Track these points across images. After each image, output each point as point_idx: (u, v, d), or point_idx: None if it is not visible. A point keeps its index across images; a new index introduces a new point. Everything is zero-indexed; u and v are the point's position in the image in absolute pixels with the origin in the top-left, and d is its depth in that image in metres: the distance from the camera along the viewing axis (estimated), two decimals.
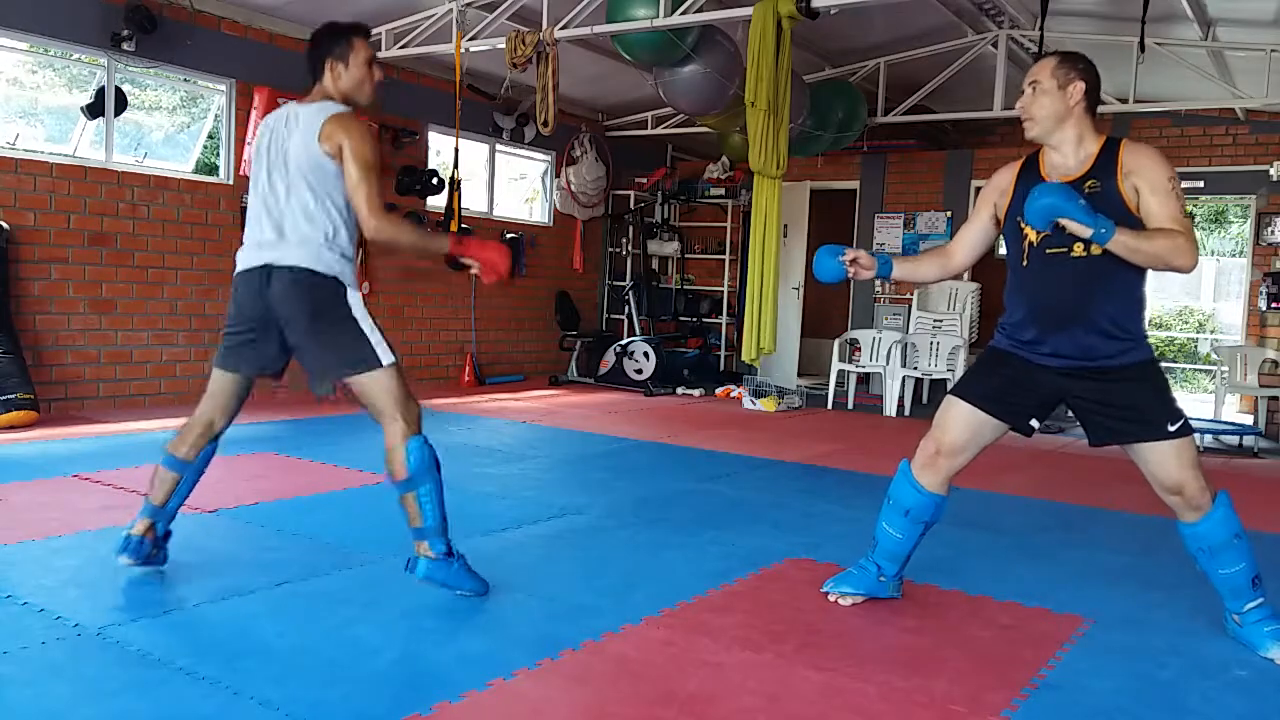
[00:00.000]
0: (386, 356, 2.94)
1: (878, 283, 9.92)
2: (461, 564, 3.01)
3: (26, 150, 6.32)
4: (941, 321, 8.89)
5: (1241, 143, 8.58)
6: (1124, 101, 7.72)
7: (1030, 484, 5.20)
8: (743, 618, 2.97)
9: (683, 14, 6.21)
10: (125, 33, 6.25)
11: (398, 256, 8.39)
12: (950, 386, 3.00)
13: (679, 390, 9.25)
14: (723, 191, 10.34)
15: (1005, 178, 2.98)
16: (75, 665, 2.45)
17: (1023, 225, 2.85)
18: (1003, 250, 3.07)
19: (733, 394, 9.05)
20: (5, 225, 5.92)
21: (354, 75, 3.00)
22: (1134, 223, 2.70)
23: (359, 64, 3.00)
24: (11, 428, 5.58)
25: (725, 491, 4.92)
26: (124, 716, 2.19)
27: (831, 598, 3.16)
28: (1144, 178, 2.72)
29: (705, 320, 10.76)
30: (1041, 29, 6.65)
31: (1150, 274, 2.88)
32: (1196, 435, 3.00)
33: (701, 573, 3.40)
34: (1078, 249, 2.75)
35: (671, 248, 10.73)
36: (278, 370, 3.10)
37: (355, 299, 2.94)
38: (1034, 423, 2.96)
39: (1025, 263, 2.87)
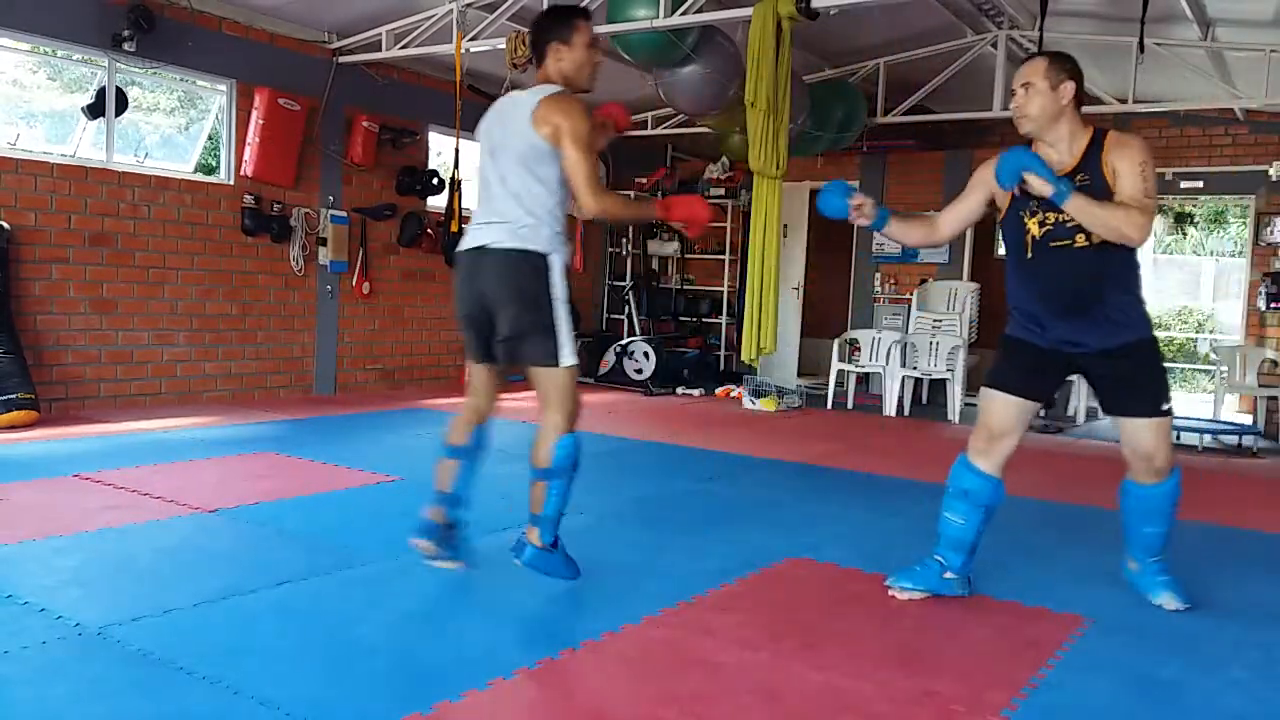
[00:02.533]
0: (567, 359, 2.99)
1: (877, 282, 9.93)
2: (561, 554, 3.11)
3: (27, 150, 6.31)
4: (941, 321, 8.89)
5: (1241, 143, 8.58)
6: (1123, 101, 7.71)
7: (1030, 484, 5.20)
8: (743, 617, 2.97)
9: (683, 14, 6.21)
10: (126, 33, 6.25)
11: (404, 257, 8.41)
12: (984, 379, 3.27)
13: (679, 390, 9.26)
14: (723, 191, 10.34)
15: None
16: (75, 665, 2.45)
17: (1025, 219, 3.03)
18: (1002, 250, 3.14)
19: (733, 394, 9.05)
20: (6, 225, 5.92)
21: (576, 57, 3.06)
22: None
23: (581, 46, 3.06)
24: (12, 428, 5.58)
25: (725, 491, 4.93)
26: (124, 716, 2.20)
27: (891, 592, 3.24)
28: (1120, 162, 2.92)
29: (705, 320, 10.76)
30: (1041, 29, 6.65)
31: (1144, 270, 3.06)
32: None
33: (701, 573, 3.40)
34: (1079, 240, 2.94)
35: (671, 248, 10.73)
36: (503, 360, 3.15)
37: (558, 278, 2.98)
38: (1055, 395, 3.32)
39: (1030, 255, 3.05)
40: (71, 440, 5.45)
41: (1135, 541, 3.26)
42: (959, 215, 3.28)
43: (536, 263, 2.96)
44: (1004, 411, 3.15)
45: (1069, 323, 3.03)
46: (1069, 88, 2.96)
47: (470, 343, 3.15)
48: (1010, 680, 2.58)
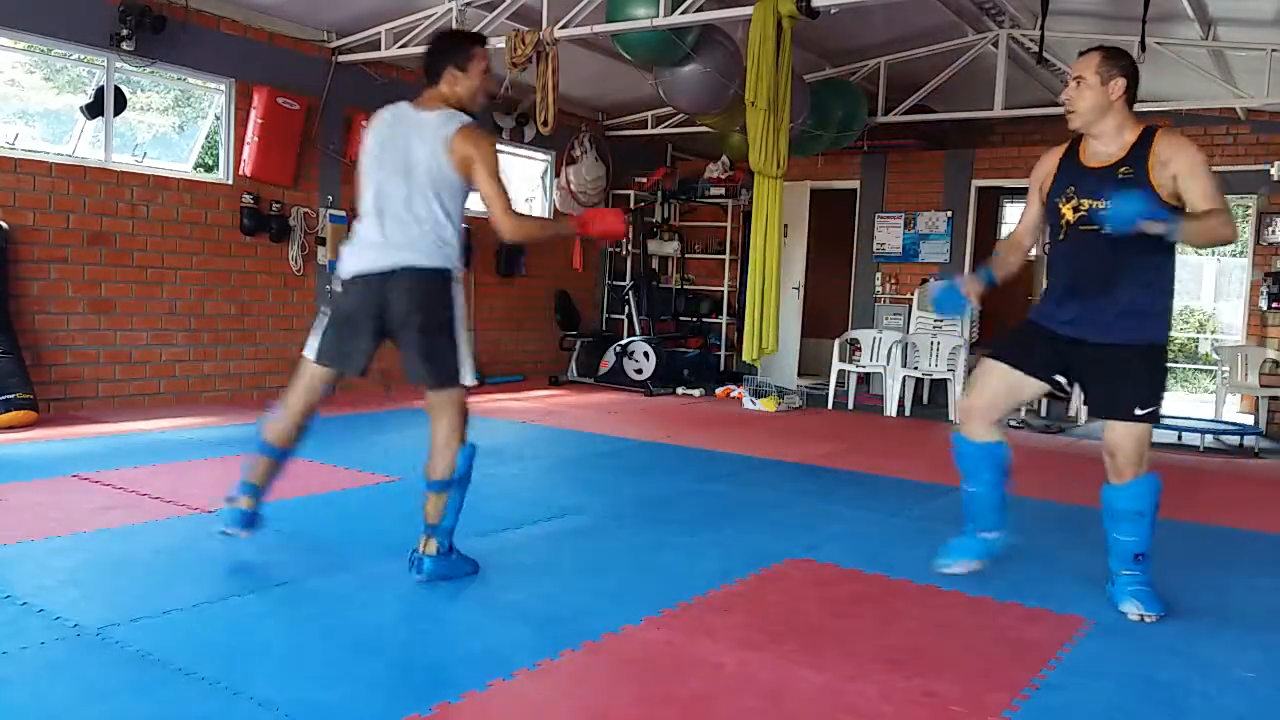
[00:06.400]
0: (468, 378, 3.13)
1: (878, 282, 9.94)
2: (457, 555, 3.22)
3: (26, 150, 6.31)
4: (942, 321, 8.88)
5: (1242, 142, 8.58)
6: None
7: (1030, 484, 5.19)
8: (743, 618, 2.97)
9: (683, 14, 6.20)
10: (125, 32, 6.25)
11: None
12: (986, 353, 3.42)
13: (679, 390, 9.25)
14: (723, 191, 10.32)
15: (1049, 162, 3.26)
16: (75, 665, 2.44)
17: (1060, 205, 3.13)
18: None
19: (733, 394, 9.04)
20: (5, 225, 5.91)
21: (470, 84, 3.18)
22: (1159, 203, 2.89)
23: (476, 74, 3.18)
24: (11, 428, 5.57)
25: (725, 491, 4.92)
26: (124, 716, 2.19)
27: (946, 570, 3.45)
28: (1180, 164, 2.96)
29: (705, 320, 10.75)
30: (1042, 29, 6.65)
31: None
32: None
33: (701, 573, 3.40)
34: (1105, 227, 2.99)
35: (671, 248, 10.72)
36: (363, 370, 3.25)
37: (458, 296, 3.09)
38: (1059, 378, 3.24)
39: (1062, 238, 3.16)
40: (70, 440, 5.44)
41: (1110, 548, 3.24)
42: (1032, 223, 3.37)
43: (445, 282, 3.06)
44: (994, 380, 3.34)
45: (1083, 305, 3.09)
46: (1119, 84, 3.03)
47: (344, 351, 3.18)
48: (1011, 681, 2.57)
